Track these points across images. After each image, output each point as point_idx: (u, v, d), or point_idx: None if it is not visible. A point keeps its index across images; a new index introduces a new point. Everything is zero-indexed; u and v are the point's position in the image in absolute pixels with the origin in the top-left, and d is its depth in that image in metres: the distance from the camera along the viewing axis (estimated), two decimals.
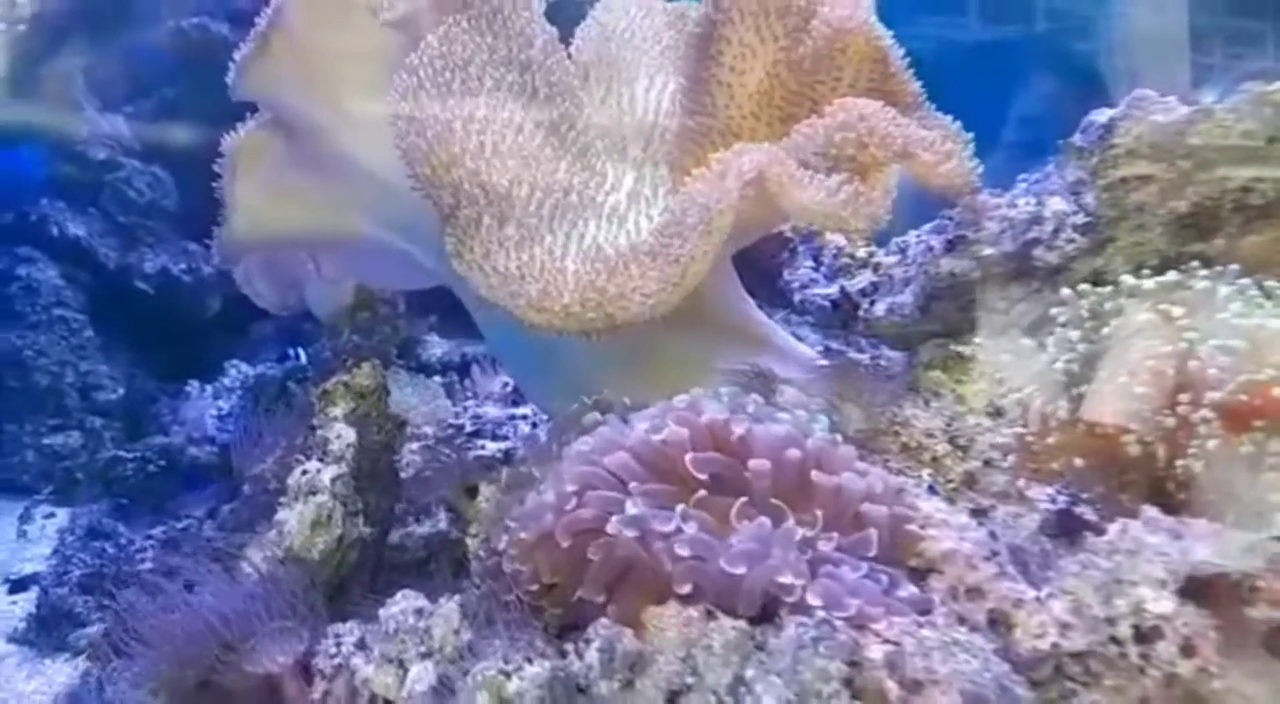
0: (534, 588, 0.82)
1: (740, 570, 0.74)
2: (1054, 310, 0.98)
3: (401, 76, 1.05)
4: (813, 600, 0.73)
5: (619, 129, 1.28)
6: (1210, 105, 1.09)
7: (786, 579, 0.74)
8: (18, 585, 1.87)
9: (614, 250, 1.03)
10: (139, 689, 0.85)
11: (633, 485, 0.79)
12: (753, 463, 0.78)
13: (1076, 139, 1.17)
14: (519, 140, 1.08)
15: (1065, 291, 0.98)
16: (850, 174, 1.00)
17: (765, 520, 0.77)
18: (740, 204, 0.98)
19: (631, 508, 0.77)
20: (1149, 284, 0.92)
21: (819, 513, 0.78)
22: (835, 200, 0.98)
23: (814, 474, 0.79)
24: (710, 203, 0.98)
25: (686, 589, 0.75)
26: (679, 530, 0.75)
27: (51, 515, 2.15)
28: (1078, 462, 0.88)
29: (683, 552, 0.75)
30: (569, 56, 1.26)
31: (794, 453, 0.79)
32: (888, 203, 1.02)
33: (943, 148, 1.05)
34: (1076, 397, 0.90)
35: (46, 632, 1.64)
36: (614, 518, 0.77)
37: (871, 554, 0.78)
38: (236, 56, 1.26)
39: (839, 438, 0.87)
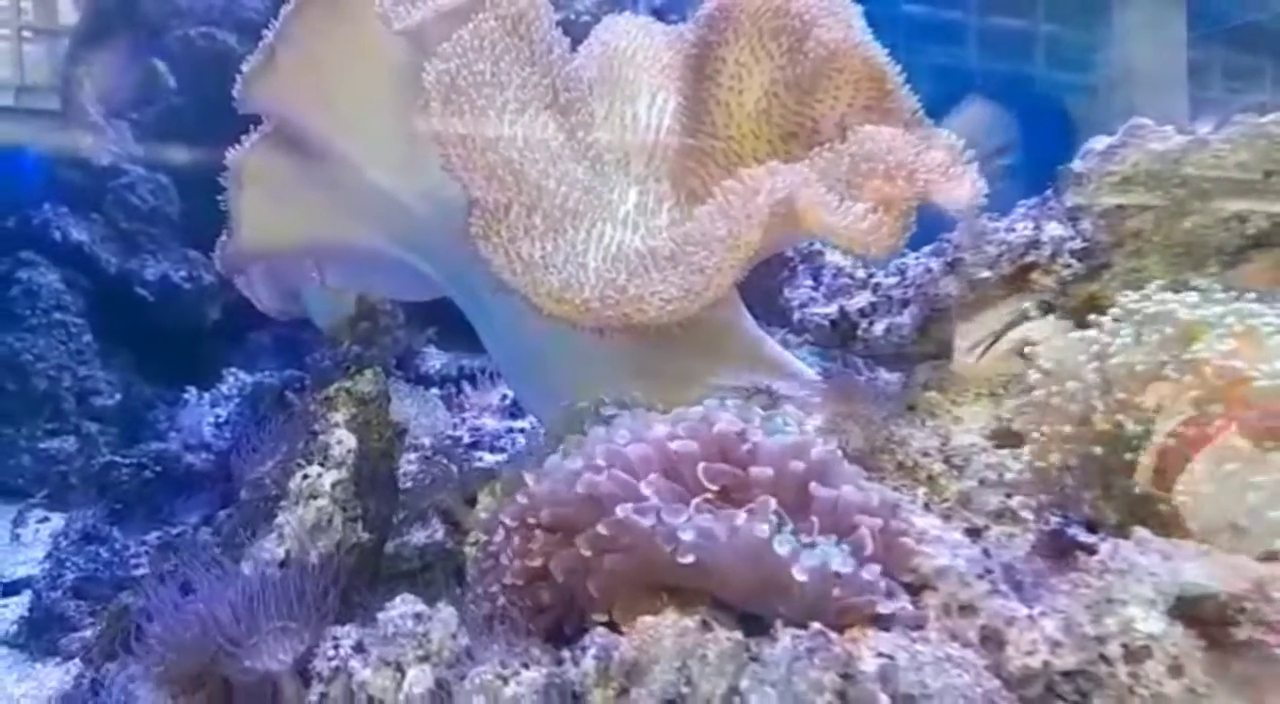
0: (531, 563, 0.83)
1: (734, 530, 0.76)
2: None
3: (435, 63, 1.07)
4: (799, 576, 0.73)
5: (622, 146, 1.30)
6: (1206, 136, 1.11)
7: (782, 550, 0.75)
8: (10, 589, 1.86)
9: (634, 253, 1.05)
10: (144, 681, 0.86)
11: (650, 477, 0.80)
12: (754, 470, 0.79)
13: (1075, 165, 1.19)
14: (545, 136, 1.10)
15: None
16: (873, 203, 1.02)
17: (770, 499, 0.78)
18: (768, 221, 1.00)
19: (647, 490, 0.78)
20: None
21: (815, 520, 0.79)
22: (860, 228, 1.01)
23: (812, 486, 0.80)
24: (741, 217, 1.00)
25: (690, 559, 0.76)
26: (689, 519, 0.77)
27: (45, 519, 2.15)
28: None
29: (688, 534, 0.76)
30: None
31: (797, 464, 0.80)
32: (906, 234, 1.05)
33: (956, 172, 1.08)
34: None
35: (38, 635, 1.64)
36: (630, 505, 0.78)
37: (866, 556, 0.79)
38: (244, 68, 1.28)
39: (840, 453, 0.88)
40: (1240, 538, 0.79)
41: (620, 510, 0.78)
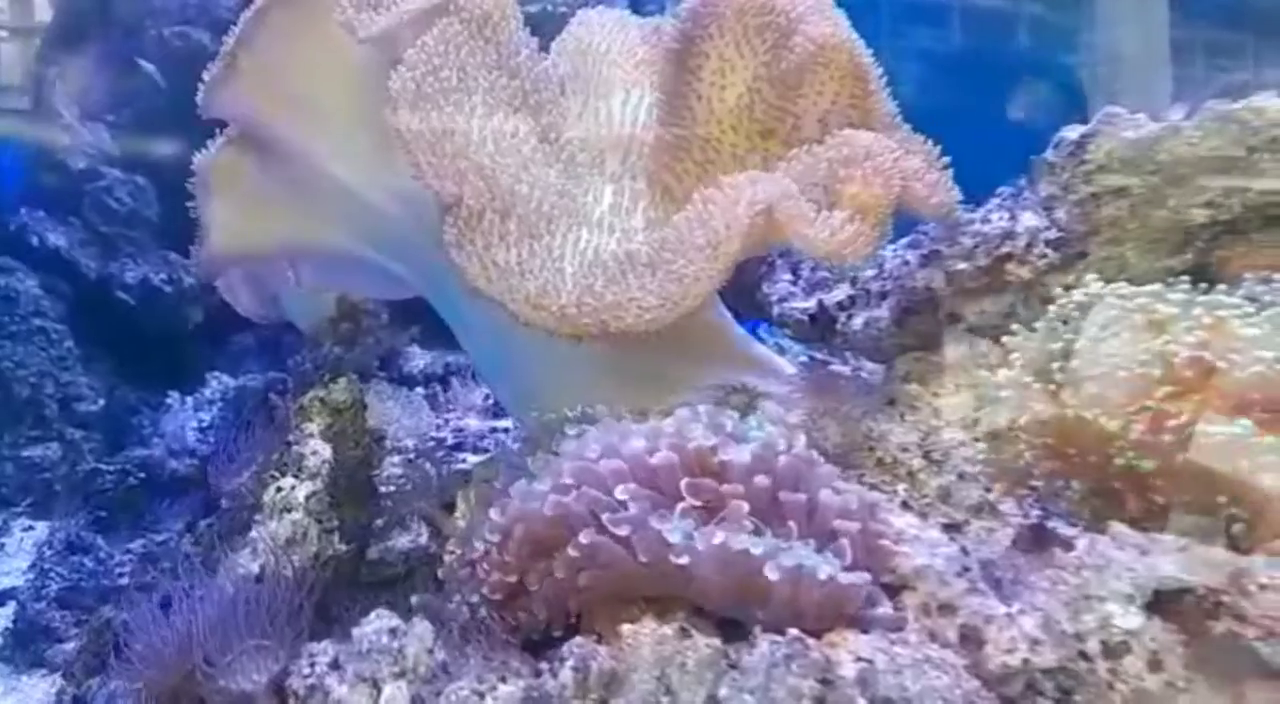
0: (507, 579, 0.82)
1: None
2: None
3: (401, 71, 1.06)
4: (772, 575, 0.74)
5: (596, 143, 1.29)
6: (1179, 122, 1.10)
7: (757, 552, 0.75)
8: None
9: (611, 258, 1.04)
10: (125, 698, 0.85)
11: (624, 486, 0.79)
12: (726, 487, 0.79)
13: (1049, 155, 1.18)
14: (516, 140, 1.09)
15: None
16: (851, 211, 1.02)
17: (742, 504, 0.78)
18: (747, 231, 0.99)
19: (628, 500, 0.78)
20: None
21: (792, 526, 0.78)
22: (838, 239, 1.01)
23: (781, 495, 0.79)
24: (720, 227, 1.00)
25: (685, 560, 0.76)
26: (675, 524, 0.77)
27: (30, 528, 2.14)
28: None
29: (677, 537, 0.76)
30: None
31: (762, 479, 0.80)
32: (883, 242, 1.06)
33: (932, 179, 1.07)
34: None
35: (23, 647, 1.63)
36: (607, 516, 0.77)
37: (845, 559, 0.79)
38: (205, 76, 1.26)
39: (815, 454, 0.87)
40: (1248, 526, 0.78)
41: (597, 524, 0.77)
